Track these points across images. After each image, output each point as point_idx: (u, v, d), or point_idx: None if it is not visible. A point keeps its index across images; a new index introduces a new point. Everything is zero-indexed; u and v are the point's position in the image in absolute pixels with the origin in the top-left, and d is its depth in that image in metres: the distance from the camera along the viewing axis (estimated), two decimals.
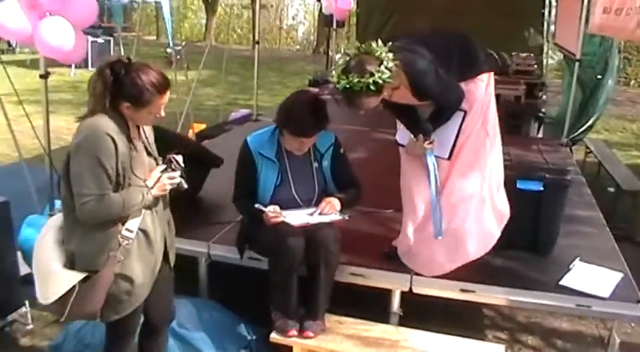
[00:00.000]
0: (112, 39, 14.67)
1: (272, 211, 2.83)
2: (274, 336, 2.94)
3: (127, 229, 2.30)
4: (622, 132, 9.98)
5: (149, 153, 2.44)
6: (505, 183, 3.05)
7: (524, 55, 7.87)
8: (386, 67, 2.56)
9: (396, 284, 3.09)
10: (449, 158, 2.95)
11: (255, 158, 2.97)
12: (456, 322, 3.38)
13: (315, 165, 3.02)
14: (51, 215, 3.27)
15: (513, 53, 7.99)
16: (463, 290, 3.01)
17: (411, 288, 3.07)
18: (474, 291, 2.99)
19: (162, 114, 2.35)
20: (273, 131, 2.99)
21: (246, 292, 3.54)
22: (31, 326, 3.50)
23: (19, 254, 3.48)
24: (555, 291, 2.93)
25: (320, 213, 2.90)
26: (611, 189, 5.86)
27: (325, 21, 10.05)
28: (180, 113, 6.46)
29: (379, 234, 3.50)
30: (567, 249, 3.38)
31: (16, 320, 3.46)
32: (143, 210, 2.35)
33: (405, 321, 3.14)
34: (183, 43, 15.05)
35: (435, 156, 2.96)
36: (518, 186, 3.20)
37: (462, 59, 2.88)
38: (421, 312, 3.16)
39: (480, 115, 2.93)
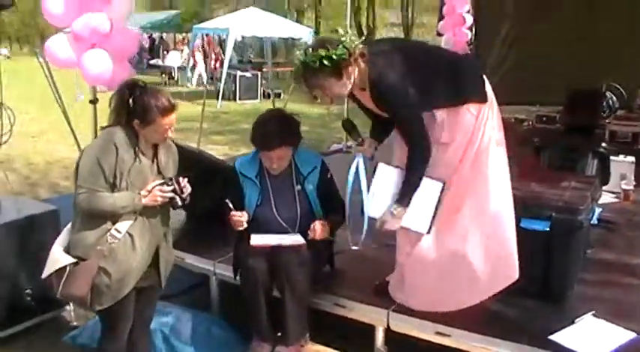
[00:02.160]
0: (259, 73, 15.74)
1: (237, 212, 2.92)
2: None
3: (115, 229, 2.58)
4: None
5: (159, 171, 2.70)
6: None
7: None
8: (344, 46, 2.53)
9: (373, 319, 2.95)
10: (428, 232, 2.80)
11: (239, 178, 3.07)
12: None
13: (298, 187, 3.02)
14: None
15: None
16: (438, 333, 2.78)
17: (388, 325, 2.92)
18: (449, 335, 2.75)
19: (171, 134, 2.65)
20: (256, 151, 3.06)
21: None
22: (75, 324, 3.88)
23: None
24: (540, 346, 2.58)
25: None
26: None
27: None
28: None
29: (381, 266, 3.36)
30: (585, 300, 2.97)
31: (59, 316, 3.87)
32: (136, 217, 2.60)
33: None
34: None
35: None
36: (522, 224, 2.89)
37: (449, 81, 2.71)
38: None
39: (460, 148, 2.73)
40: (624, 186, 4.59)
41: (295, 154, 3.04)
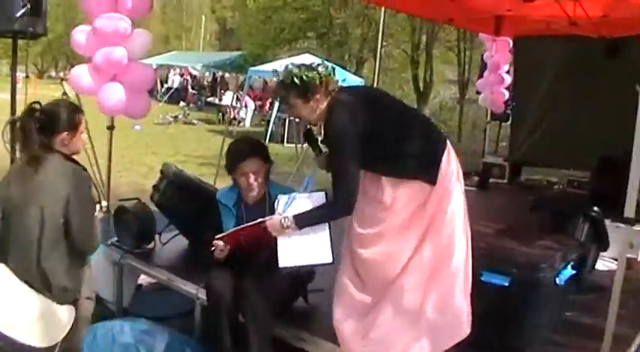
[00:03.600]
0: None
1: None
2: None
3: None
4: None
5: None
6: (473, 274, 2.85)
7: None
8: (317, 72, 2.71)
9: None
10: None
11: (219, 206, 3.26)
12: None
13: None
14: None
15: None
16: None
17: None
18: None
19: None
20: (234, 184, 3.25)
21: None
22: None
23: None
24: None
25: None
26: None
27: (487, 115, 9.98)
28: None
29: None
30: None
31: None
32: None
33: None
34: None
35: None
36: (482, 278, 2.93)
37: (404, 149, 2.69)
38: None
39: (404, 211, 2.69)
40: (628, 254, 4.48)
41: (270, 187, 3.22)
